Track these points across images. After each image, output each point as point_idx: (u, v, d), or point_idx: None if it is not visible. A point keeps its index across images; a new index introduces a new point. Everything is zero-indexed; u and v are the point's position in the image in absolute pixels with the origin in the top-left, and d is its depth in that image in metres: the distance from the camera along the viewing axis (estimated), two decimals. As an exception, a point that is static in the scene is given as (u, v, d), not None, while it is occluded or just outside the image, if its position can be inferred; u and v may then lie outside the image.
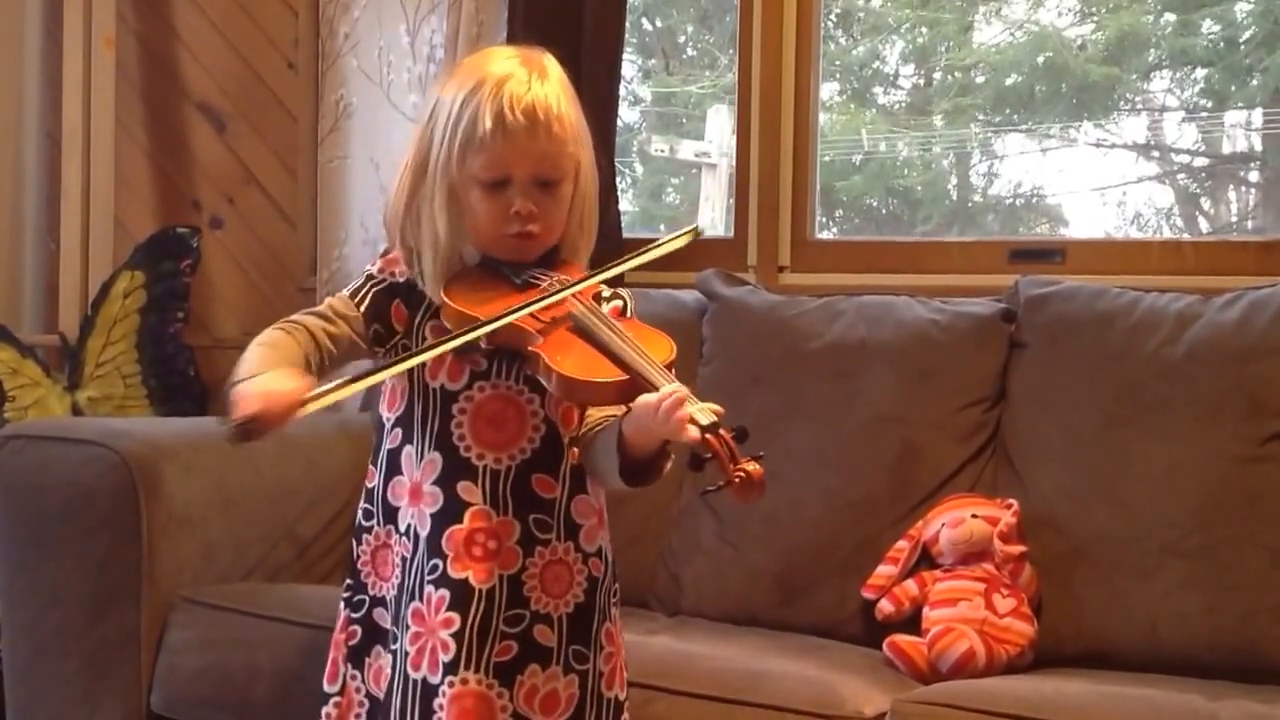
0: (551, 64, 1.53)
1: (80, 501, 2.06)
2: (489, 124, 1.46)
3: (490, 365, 1.50)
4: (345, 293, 1.58)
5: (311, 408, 1.39)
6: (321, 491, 2.32)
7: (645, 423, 1.36)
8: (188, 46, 3.01)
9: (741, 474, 1.28)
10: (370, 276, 1.57)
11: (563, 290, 1.46)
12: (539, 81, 1.48)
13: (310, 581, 2.24)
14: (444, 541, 1.49)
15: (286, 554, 2.26)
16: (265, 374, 1.42)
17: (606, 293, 1.55)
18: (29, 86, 2.94)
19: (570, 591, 1.52)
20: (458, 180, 1.49)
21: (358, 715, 1.55)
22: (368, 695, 1.55)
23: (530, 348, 1.43)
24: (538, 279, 1.49)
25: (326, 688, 1.59)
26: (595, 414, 1.48)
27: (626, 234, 2.67)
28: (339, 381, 1.41)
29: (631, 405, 1.39)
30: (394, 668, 1.52)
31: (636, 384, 1.37)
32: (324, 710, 1.59)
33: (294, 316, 1.55)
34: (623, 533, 2.04)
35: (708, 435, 1.30)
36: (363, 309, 1.55)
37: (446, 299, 1.48)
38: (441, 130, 1.50)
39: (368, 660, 1.56)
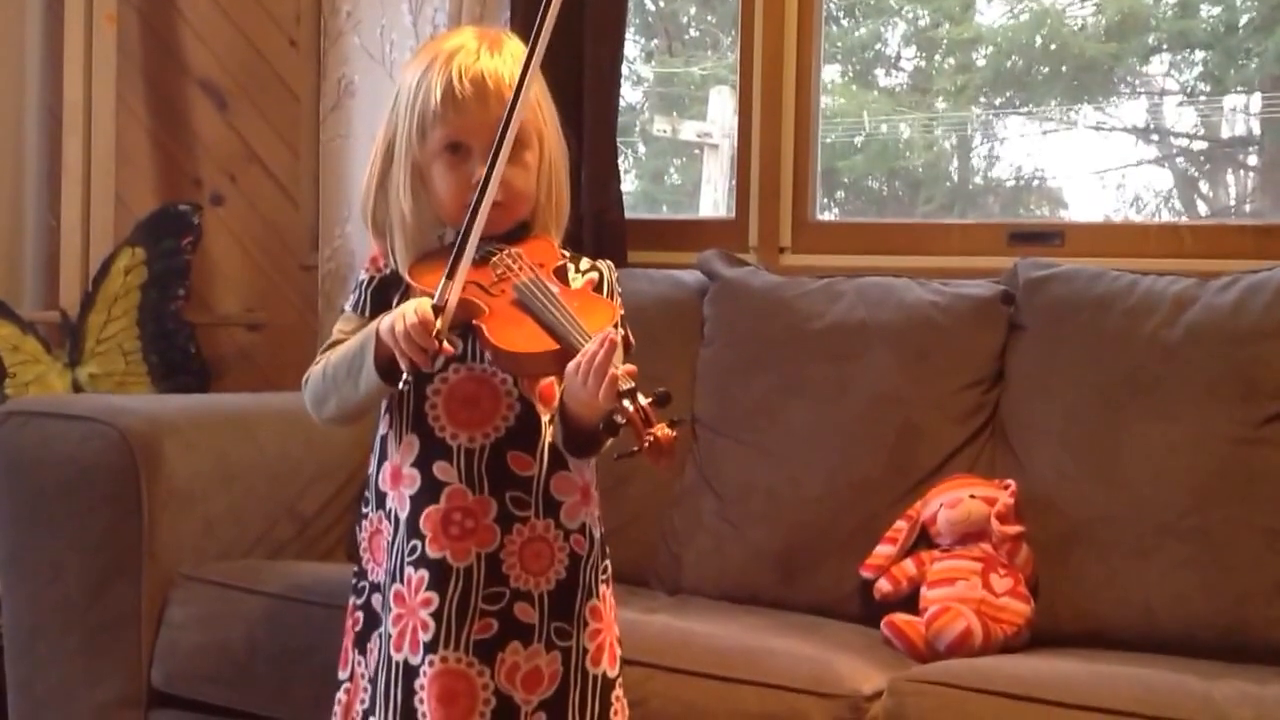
0: (510, 39, 1.55)
1: (81, 478, 2.06)
2: (439, 96, 1.48)
3: (465, 347, 1.51)
4: (346, 310, 1.60)
5: (446, 319, 1.41)
6: (322, 469, 2.32)
7: (572, 390, 1.37)
8: (189, 23, 3.00)
9: (650, 438, 1.28)
10: (360, 282, 1.60)
11: (470, 230, 1.43)
12: (489, 53, 1.50)
13: (311, 559, 2.25)
14: (422, 522, 1.50)
15: (287, 531, 2.27)
16: (381, 321, 1.45)
17: (584, 265, 1.56)
18: (30, 62, 2.93)
19: (551, 569, 1.52)
20: (420, 158, 1.52)
21: (362, 700, 1.56)
22: (370, 680, 1.56)
23: (474, 321, 1.44)
24: (493, 251, 1.50)
25: (339, 674, 1.61)
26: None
27: (629, 214, 2.67)
28: (443, 279, 1.42)
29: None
30: (380, 651, 1.53)
31: (567, 354, 1.37)
32: (336, 696, 1.60)
33: (317, 358, 1.58)
34: (623, 511, 2.06)
35: (622, 399, 1.30)
36: (367, 314, 1.57)
37: (410, 278, 1.50)
38: (402, 111, 1.52)
39: (369, 645, 1.56)
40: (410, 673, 1.49)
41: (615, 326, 1.41)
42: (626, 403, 1.30)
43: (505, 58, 1.51)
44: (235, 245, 3.00)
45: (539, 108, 1.53)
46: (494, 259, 1.49)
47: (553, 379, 1.50)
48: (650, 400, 1.30)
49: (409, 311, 1.42)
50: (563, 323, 1.40)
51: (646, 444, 1.28)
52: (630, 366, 1.32)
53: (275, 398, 2.41)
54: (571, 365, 1.36)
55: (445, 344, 1.41)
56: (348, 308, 1.60)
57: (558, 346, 1.39)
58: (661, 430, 1.28)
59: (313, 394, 1.57)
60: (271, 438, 2.27)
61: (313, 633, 1.87)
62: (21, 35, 2.91)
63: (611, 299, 1.54)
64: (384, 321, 1.45)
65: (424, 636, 1.48)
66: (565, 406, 1.41)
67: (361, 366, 1.48)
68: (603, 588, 1.57)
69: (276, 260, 2.98)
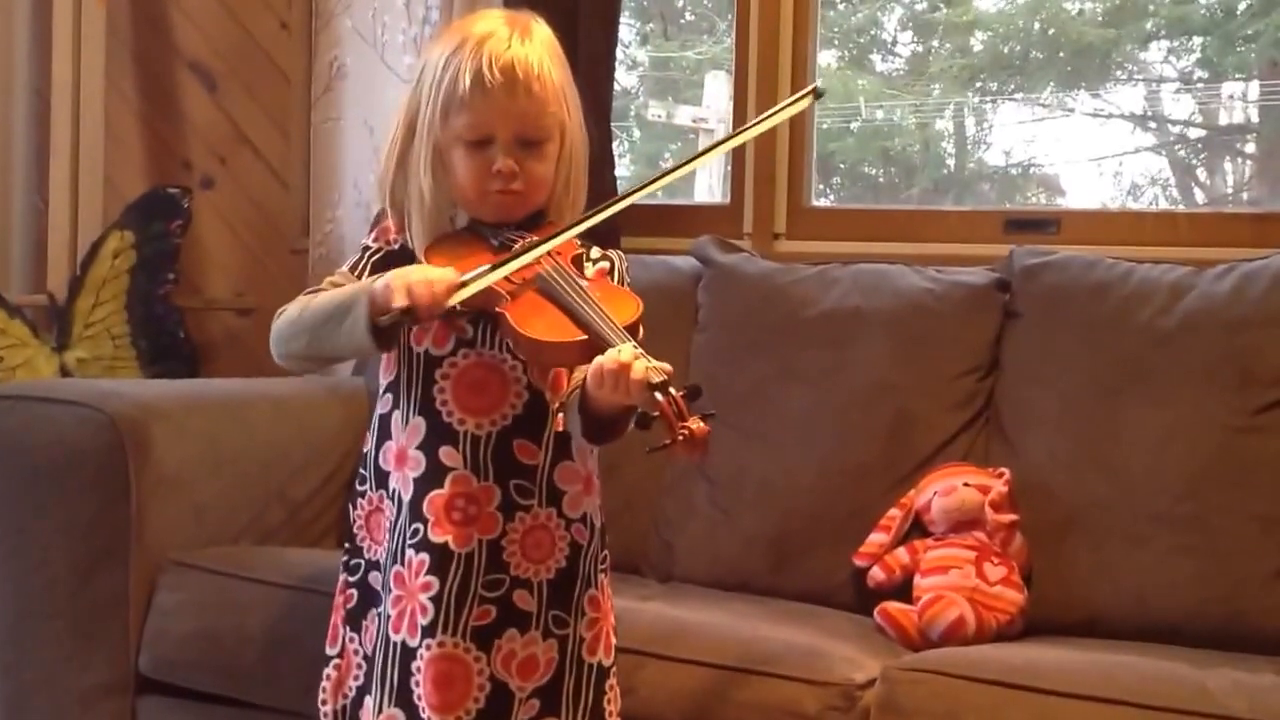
0: (539, 26, 1.54)
1: (69, 463, 2.05)
2: (468, 82, 1.47)
3: (476, 332, 1.51)
4: (344, 268, 1.60)
5: (463, 294, 1.43)
6: (313, 454, 2.31)
7: (596, 383, 1.36)
8: (179, 4, 2.97)
9: (685, 432, 1.28)
10: (366, 248, 1.60)
11: (533, 249, 1.46)
12: (520, 41, 1.49)
13: (301, 544, 2.24)
14: (425, 506, 1.50)
15: (277, 516, 2.25)
16: (404, 270, 1.45)
17: (595, 254, 1.55)
18: (18, 43, 2.90)
19: (552, 558, 1.52)
20: (442, 140, 1.52)
21: (355, 677, 1.57)
22: (364, 658, 1.56)
23: (497, 309, 1.44)
24: (513, 239, 1.50)
25: (328, 650, 1.61)
26: (578, 377, 1.48)
27: (622, 200, 2.65)
28: (484, 268, 1.44)
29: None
30: (378, 630, 1.53)
31: (594, 344, 1.37)
32: (325, 672, 1.60)
33: (299, 298, 1.57)
34: (616, 498, 2.04)
35: (655, 394, 1.30)
36: (363, 280, 1.55)
37: (426, 261, 1.50)
38: (426, 92, 1.52)
39: (364, 623, 1.57)
40: (408, 654, 1.49)
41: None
42: (658, 396, 1.29)
43: (535, 45, 1.51)
44: (225, 229, 2.98)
45: (564, 98, 1.53)
46: (514, 248, 1.49)
47: (563, 368, 1.50)
48: (682, 394, 1.30)
49: (434, 270, 1.44)
50: (590, 313, 1.40)
51: (681, 438, 1.28)
52: (667, 366, 1.32)
53: (265, 383, 2.40)
54: (600, 360, 1.34)
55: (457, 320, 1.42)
56: (345, 267, 1.60)
57: (585, 337, 1.39)
58: (696, 424, 1.28)
59: (284, 328, 1.55)
60: (261, 423, 2.26)
61: (302, 619, 1.86)
62: (10, 15, 2.89)
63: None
64: (379, 281, 1.44)
65: (422, 620, 1.48)
66: (586, 395, 1.41)
67: (348, 314, 1.46)
68: (601, 578, 1.58)
69: (267, 244, 2.97)
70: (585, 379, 1.40)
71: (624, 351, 1.33)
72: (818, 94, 1.55)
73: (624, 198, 1.51)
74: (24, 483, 2.08)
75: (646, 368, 1.31)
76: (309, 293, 1.57)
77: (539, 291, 1.45)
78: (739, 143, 1.50)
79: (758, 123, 1.52)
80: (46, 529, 2.06)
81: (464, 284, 1.43)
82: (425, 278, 1.42)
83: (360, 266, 1.58)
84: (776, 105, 1.54)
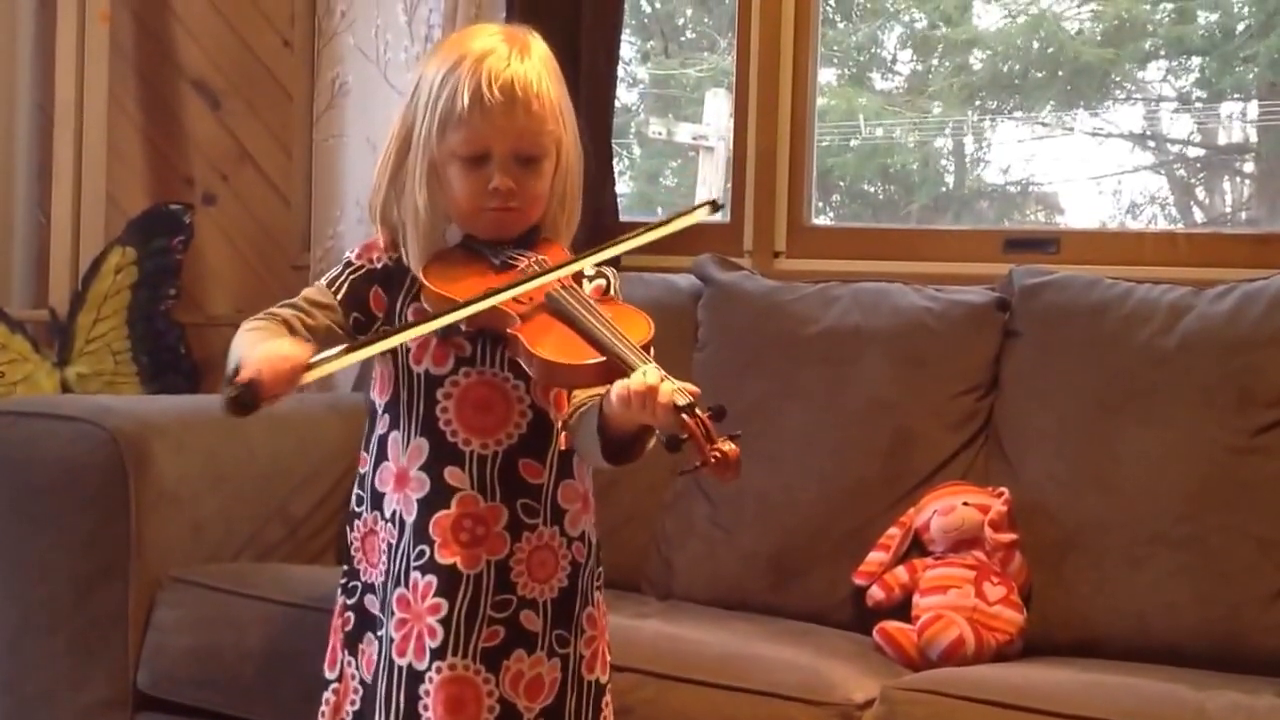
0: (536, 42, 1.53)
1: (69, 478, 2.05)
2: (467, 100, 1.46)
3: (475, 351, 1.50)
4: (322, 282, 1.58)
5: (313, 375, 1.39)
6: (313, 470, 2.31)
7: (624, 408, 1.35)
8: (182, 22, 2.98)
9: (717, 454, 1.27)
10: (348, 264, 1.57)
11: (544, 275, 1.45)
12: (519, 58, 1.48)
13: (301, 561, 2.24)
14: (431, 527, 1.48)
15: (277, 533, 2.25)
16: (266, 344, 1.41)
17: (590, 271, 1.54)
18: (22, 59, 2.91)
19: (555, 576, 1.52)
20: (438, 156, 1.50)
21: (353, 702, 1.56)
22: (361, 682, 1.55)
23: (509, 330, 1.42)
24: (516, 259, 1.49)
25: (326, 674, 1.60)
26: (581, 395, 1.47)
27: (623, 217, 2.67)
28: (337, 350, 1.41)
29: (610, 387, 1.38)
30: (379, 654, 1.52)
31: (613, 365, 1.36)
32: (324, 696, 1.59)
33: (270, 310, 1.55)
34: (615, 515, 2.05)
35: (683, 416, 1.29)
36: (339, 297, 1.55)
37: (424, 280, 1.48)
38: (423, 106, 1.50)
39: (360, 647, 1.56)
40: (415, 678, 1.47)
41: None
42: (686, 418, 1.28)
43: (534, 62, 1.49)
44: (227, 245, 2.99)
45: (561, 114, 1.51)
46: (520, 266, 1.48)
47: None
48: (708, 414, 1.29)
49: (288, 348, 1.39)
50: (606, 334, 1.38)
51: (713, 460, 1.27)
52: (693, 387, 1.31)
53: (266, 399, 2.40)
54: (627, 385, 1.32)
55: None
56: (323, 281, 1.57)
57: (603, 359, 1.37)
58: (726, 444, 1.28)
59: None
60: (261, 439, 2.26)
61: (302, 636, 1.85)
62: (14, 31, 2.90)
63: None
64: (259, 349, 1.40)
65: (431, 643, 1.47)
66: (605, 416, 1.39)
67: (231, 364, 1.42)
68: (598, 594, 1.57)
69: (268, 260, 2.97)
70: (601, 400, 1.39)
71: (649, 374, 1.32)
72: (715, 207, 1.52)
73: (639, 234, 1.50)
74: (24, 498, 2.09)
75: (673, 390, 1.30)
76: (277, 308, 1.54)
77: (550, 312, 1.43)
78: (610, 254, 1.50)
79: (634, 236, 1.50)
80: (46, 544, 2.06)
81: (311, 366, 1.39)
82: (277, 355, 1.38)
83: (339, 283, 1.55)
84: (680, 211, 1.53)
